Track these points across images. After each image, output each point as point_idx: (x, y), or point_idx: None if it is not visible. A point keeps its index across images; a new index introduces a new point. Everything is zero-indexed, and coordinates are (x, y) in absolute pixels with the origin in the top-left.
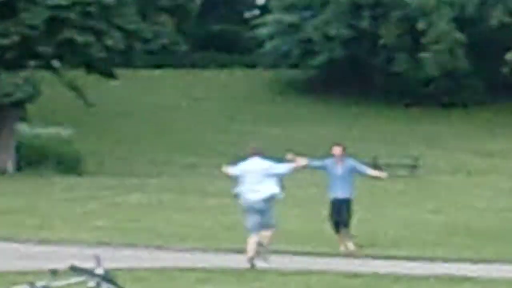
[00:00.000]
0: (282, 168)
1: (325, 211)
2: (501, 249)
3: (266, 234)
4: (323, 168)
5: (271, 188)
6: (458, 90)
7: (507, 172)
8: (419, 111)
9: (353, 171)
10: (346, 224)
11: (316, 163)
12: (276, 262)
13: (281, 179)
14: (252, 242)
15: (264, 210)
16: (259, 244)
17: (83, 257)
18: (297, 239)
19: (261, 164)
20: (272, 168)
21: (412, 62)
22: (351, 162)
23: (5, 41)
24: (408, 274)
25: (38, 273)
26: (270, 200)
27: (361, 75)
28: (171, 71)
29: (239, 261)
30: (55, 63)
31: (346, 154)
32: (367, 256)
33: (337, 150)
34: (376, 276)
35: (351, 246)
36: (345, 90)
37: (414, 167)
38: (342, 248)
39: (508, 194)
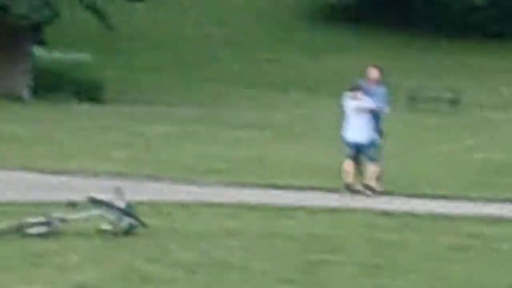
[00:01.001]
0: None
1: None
2: None
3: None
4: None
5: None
6: (507, 21)
7: None
8: (463, 42)
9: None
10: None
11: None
12: (305, 198)
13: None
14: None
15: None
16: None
17: (103, 189)
18: (325, 175)
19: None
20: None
21: None
22: (382, 91)
23: None
24: (448, 213)
25: (54, 205)
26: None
27: (402, 3)
28: None
29: (267, 196)
30: None
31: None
32: (403, 194)
33: (374, 73)
34: (413, 215)
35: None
36: (381, 17)
37: (455, 101)
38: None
39: None
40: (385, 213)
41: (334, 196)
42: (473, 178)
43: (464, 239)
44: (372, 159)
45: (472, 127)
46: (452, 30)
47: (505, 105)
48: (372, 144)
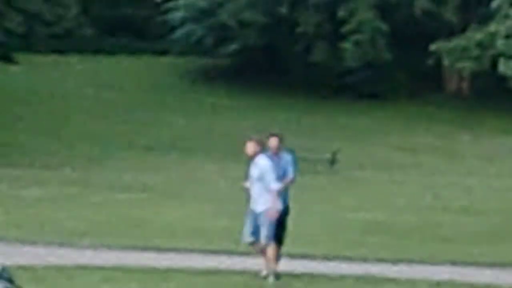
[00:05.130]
0: None
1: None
2: (422, 249)
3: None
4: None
5: None
6: (380, 82)
7: (429, 169)
8: (339, 103)
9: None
10: (281, 241)
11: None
12: (184, 260)
13: None
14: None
15: None
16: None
17: None
18: (204, 236)
19: None
20: None
21: (331, 51)
22: (288, 158)
23: None
24: (325, 274)
25: None
26: None
27: (278, 64)
28: (75, 56)
29: (145, 258)
30: None
31: (282, 147)
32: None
33: (273, 142)
34: (291, 276)
35: (274, 267)
36: (261, 79)
37: (332, 161)
38: (265, 272)
39: (429, 191)
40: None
41: (213, 257)
42: (350, 238)
43: None
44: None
45: (349, 187)
46: (327, 91)
47: (378, 165)
48: None
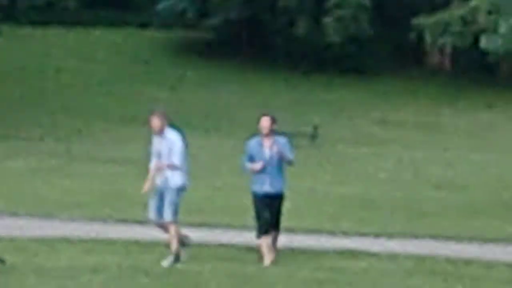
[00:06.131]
0: None
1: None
2: (403, 223)
3: None
4: (250, 157)
5: None
6: (362, 57)
7: (410, 143)
8: (320, 78)
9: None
10: (277, 227)
11: (244, 159)
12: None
13: None
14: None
15: None
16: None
17: None
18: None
19: None
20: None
21: (314, 26)
22: (282, 141)
23: None
24: (307, 248)
25: None
26: None
27: (260, 38)
28: (58, 29)
29: (129, 231)
30: None
31: (275, 128)
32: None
33: (265, 122)
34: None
35: (272, 258)
36: (242, 53)
37: (313, 136)
38: (267, 262)
39: (411, 165)
40: (248, 248)
41: (193, 230)
42: (333, 212)
43: (325, 273)
44: None
45: (330, 161)
46: (309, 65)
47: (360, 139)
48: None
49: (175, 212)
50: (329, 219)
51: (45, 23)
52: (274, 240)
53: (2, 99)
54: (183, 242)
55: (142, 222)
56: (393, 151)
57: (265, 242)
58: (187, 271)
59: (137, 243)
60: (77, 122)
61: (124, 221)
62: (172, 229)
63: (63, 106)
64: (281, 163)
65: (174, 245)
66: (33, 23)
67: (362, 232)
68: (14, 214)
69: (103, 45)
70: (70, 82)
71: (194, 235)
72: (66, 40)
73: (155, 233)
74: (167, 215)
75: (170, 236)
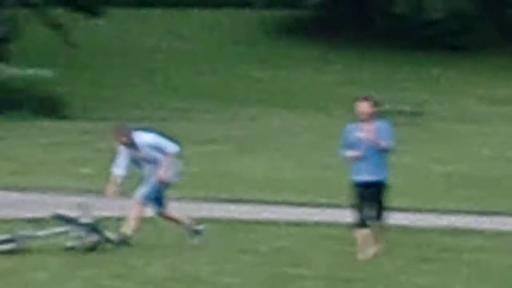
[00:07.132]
0: None
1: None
2: (509, 200)
3: None
4: (348, 144)
5: None
6: (465, 33)
7: None
8: (423, 55)
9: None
10: (378, 217)
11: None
12: (270, 212)
13: None
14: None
15: None
16: None
17: (68, 206)
18: (288, 189)
19: None
20: None
21: (414, 2)
22: (383, 127)
23: None
24: (411, 226)
25: (19, 222)
26: None
27: (360, 16)
28: (157, 10)
29: (232, 211)
30: None
31: (376, 112)
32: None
33: (363, 107)
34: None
35: (372, 251)
36: (342, 32)
37: (416, 114)
38: (361, 256)
39: None
40: (350, 226)
41: (298, 210)
42: (438, 190)
43: (432, 251)
44: None
45: (434, 139)
46: (409, 43)
47: (464, 117)
48: None
49: (148, 197)
50: (433, 197)
51: (145, 4)
52: (378, 233)
53: (106, 81)
54: (195, 230)
55: (245, 201)
56: (498, 128)
57: (361, 235)
58: (292, 249)
59: (241, 222)
60: (179, 102)
61: (227, 200)
62: (137, 209)
63: (163, 87)
64: (381, 149)
65: (131, 226)
66: (134, 4)
67: (467, 210)
68: (121, 193)
69: (201, 26)
70: (169, 63)
71: (305, 212)
72: (166, 21)
73: (260, 213)
74: (139, 193)
75: (131, 214)
